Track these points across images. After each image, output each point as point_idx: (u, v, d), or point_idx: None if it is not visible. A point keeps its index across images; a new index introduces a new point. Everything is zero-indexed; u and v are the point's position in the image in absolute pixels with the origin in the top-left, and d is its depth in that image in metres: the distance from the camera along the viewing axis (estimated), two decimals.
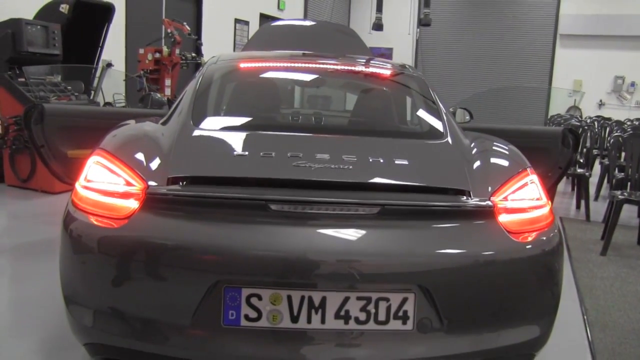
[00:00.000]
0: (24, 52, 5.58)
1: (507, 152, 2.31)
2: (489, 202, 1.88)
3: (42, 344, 2.45)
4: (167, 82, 7.65)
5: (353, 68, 3.19)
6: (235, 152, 2.04)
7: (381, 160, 2.01)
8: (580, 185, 6.10)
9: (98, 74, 6.86)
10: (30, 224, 4.46)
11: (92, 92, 6.68)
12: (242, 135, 2.27)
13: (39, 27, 5.73)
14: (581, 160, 6.60)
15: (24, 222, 4.57)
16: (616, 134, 5.98)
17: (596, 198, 6.80)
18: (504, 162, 2.23)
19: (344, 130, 2.88)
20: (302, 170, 1.88)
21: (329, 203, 1.77)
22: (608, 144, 6.36)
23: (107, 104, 6.89)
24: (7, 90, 5.58)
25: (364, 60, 3.27)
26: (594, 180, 6.89)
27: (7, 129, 5.46)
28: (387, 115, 2.95)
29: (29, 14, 5.99)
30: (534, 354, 1.97)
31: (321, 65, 3.09)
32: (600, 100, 14.22)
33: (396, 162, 2.04)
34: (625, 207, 4.70)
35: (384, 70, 3.20)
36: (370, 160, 2.01)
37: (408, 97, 3.07)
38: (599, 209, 5.97)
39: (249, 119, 2.62)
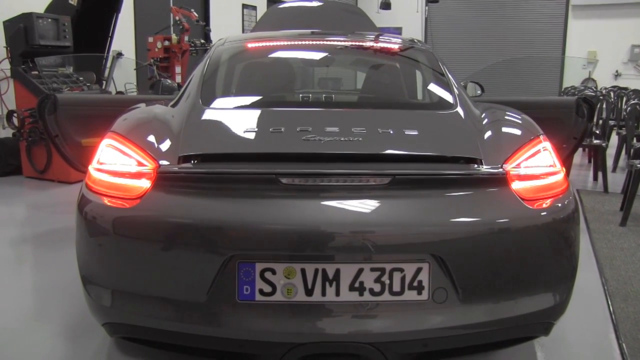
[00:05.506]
0: (36, 45, 5.65)
1: (519, 121, 2.28)
2: (501, 170, 1.87)
3: (63, 328, 2.50)
4: (178, 69, 7.68)
5: (362, 44, 3.17)
6: (244, 129, 2.04)
7: (391, 131, 2.00)
8: (597, 157, 6.01)
9: (109, 64, 6.91)
10: (49, 214, 4.55)
11: (104, 82, 6.73)
12: (251, 112, 2.28)
13: (49, 20, 5.79)
14: (597, 132, 6.50)
15: (42, 212, 4.65)
16: (633, 102, 5.87)
17: (614, 169, 6.69)
18: (516, 130, 2.20)
19: (353, 104, 2.87)
20: (311, 143, 1.88)
21: (339, 175, 1.77)
22: (625, 114, 6.24)
23: (119, 93, 6.94)
24: (21, 83, 5.67)
25: (373, 36, 3.25)
26: (611, 152, 6.78)
27: (23, 121, 5.54)
28: (396, 88, 2.94)
29: (39, 7, 6.04)
30: (553, 322, 1.96)
31: (329, 43, 3.07)
32: (617, 71, 13.90)
33: (406, 132, 2.03)
34: None
35: (393, 45, 3.18)
36: (380, 131, 2.00)
37: (417, 70, 3.04)
38: (617, 180, 5.88)
39: (257, 97, 2.62)
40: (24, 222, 4.46)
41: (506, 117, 2.32)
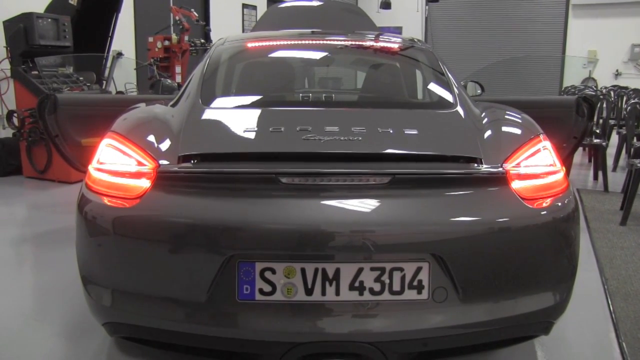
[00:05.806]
0: (36, 45, 5.65)
1: (518, 120, 2.28)
2: (501, 169, 1.87)
3: (63, 328, 2.50)
4: (178, 69, 7.69)
5: (362, 43, 3.17)
6: (244, 129, 2.04)
7: (390, 131, 2.00)
8: (597, 156, 6.01)
9: (109, 64, 6.91)
10: (49, 214, 4.55)
11: (104, 82, 6.74)
12: (251, 112, 2.29)
13: (49, 20, 5.79)
14: (597, 131, 6.49)
15: (43, 212, 4.65)
16: (633, 101, 5.87)
17: (614, 169, 6.68)
18: (516, 130, 2.20)
19: (353, 104, 2.87)
20: (311, 143, 1.88)
21: (338, 174, 1.77)
22: (625, 113, 6.24)
23: (119, 93, 6.94)
24: (21, 83, 5.68)
25: (373, 36, 3.25)
26: (611, 152, 6.78)
27: (23, 121, 5.54)
28: (396, 88, 2.94)
29: (39, 7, 6.04)
30: (553, 321, 1.96)
31: (329, 42, 3.07)
32: (617, 70, 13.89)
33: (406, 131, 2.02)
34: None
35: (393, 44, 3.18)
36: (380, 130, 2.00)
37: (417, 69, 3.04)
38: (617, 180, 5.88)
39: (257, 97, 2.63)
40: (24, 222, 4.46)
41: (506, 117, 2.32)
